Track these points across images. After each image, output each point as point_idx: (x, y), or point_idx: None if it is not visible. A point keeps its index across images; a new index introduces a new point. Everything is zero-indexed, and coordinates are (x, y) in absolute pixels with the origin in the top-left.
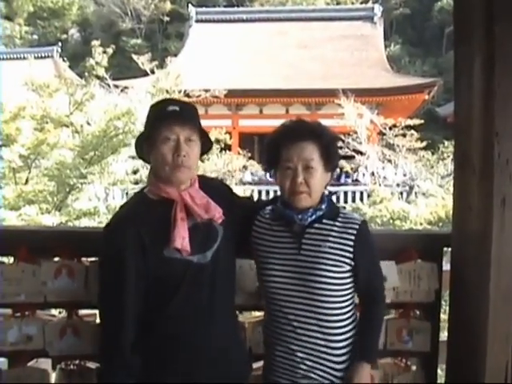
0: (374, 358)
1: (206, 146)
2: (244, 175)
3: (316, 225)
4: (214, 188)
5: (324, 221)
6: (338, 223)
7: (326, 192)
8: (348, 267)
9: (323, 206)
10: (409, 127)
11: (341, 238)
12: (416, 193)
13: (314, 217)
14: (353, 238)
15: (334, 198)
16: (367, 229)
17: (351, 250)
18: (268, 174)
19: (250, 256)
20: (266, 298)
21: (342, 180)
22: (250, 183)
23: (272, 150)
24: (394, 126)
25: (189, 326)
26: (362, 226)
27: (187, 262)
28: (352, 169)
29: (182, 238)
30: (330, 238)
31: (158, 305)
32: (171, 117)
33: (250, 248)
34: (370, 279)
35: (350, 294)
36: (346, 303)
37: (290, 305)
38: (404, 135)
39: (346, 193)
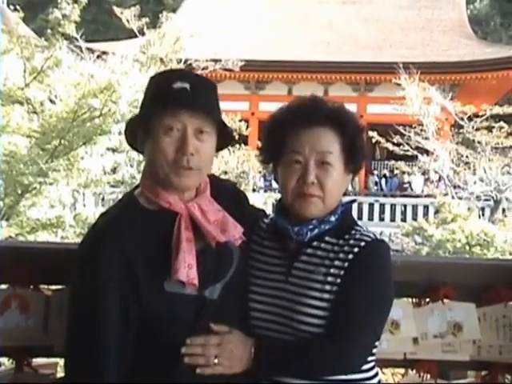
0: (262, 365)
1: (225, 139)
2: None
3: (315, 243)
4: (229, 194)
5: (326, 238)
6: (341, 241)
7: (343, 200)
8: (331, 298)
9: (332, 219)
10: (497, 117)
11: (337, 259)
12: (504, 209)
13: (316, 231)
14: (351, 257)
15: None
16: (379, 251)
17: (342, 273)
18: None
19: None
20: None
21: (399, 189)
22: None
23: (274, 135)
24: (476, 115)
25: None
26: (369, 245)
27: (200, 299)
28: (414, 174)
29: (187, 267)
30: (326, 262)
31: (153, 363)
32: (177, 98)
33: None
34: (350, 309)
35: None
36: None
37: None
38: (489, 129)
39: (404, 207)
